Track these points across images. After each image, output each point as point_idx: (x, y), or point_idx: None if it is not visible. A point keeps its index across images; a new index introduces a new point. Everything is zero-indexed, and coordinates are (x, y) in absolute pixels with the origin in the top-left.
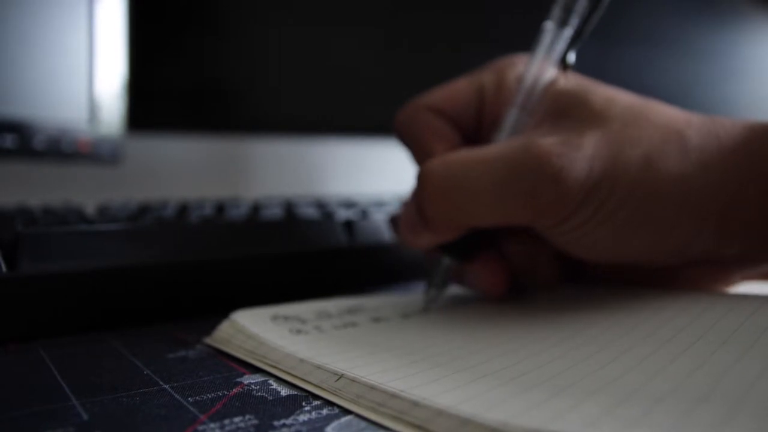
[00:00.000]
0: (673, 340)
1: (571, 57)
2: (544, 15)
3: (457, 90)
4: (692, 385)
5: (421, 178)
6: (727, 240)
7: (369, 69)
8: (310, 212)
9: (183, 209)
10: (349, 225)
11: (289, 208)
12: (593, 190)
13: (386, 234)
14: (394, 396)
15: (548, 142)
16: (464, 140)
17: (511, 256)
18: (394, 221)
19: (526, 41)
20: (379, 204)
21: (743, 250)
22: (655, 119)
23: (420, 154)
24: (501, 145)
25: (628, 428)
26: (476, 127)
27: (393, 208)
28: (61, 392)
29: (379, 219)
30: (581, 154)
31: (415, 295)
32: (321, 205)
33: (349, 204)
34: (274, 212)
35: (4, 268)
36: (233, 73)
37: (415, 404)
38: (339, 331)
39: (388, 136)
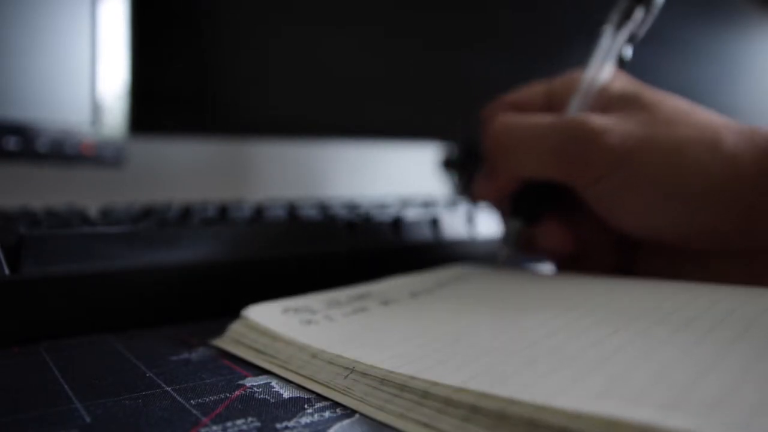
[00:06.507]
0: (673, 317)
1: (628, 52)
2: (543, 15)
3: (533, 91)
4: (693, 359)
5: (487, 132)
6: (752, 234)
7: (372, 72)
8: (313, 214)
9: (186, 212)
10: (351, 227)
11: (293, 210)
12: (624, 158)
13: (389, 236)
14: (404, 387)
15: (594, 116)
16: None
17: (574, 242)
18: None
19: (527, 41)
20: (382, 206)
21: None
22: (695, 119)
23: None
24: (554, 115)
25: (630, 405)
26: None
27: (396, 210)
28: (64, 395)
29: (382, 221)
30: (621, 128)
31: (423, 274)
32: (324, 207)
33: (351, 206)
34: (278, 214)
35: (7, 271)
36: (236, 75)
37: (425, 394)
38: (349, 318)
39: (390, 138)
